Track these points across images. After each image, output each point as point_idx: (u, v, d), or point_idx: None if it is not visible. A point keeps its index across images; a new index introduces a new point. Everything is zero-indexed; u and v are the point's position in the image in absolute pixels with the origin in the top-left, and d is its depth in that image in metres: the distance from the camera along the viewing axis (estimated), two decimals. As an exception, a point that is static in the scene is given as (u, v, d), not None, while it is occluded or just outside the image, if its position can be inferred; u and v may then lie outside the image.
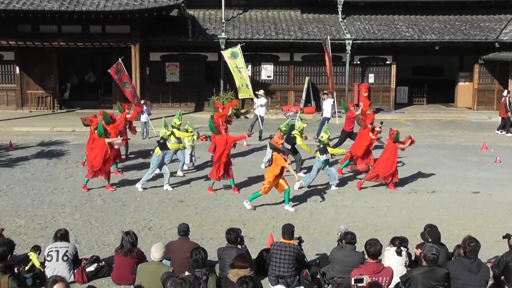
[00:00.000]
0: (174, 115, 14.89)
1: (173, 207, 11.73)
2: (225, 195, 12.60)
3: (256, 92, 19.45)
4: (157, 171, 12.98)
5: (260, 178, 12.89)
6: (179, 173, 14.26)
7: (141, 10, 20.76)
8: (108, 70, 19.54)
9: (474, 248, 6.91)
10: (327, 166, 12.94)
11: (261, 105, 18.88)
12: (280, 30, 24.57)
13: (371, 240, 7.21)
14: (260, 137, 18.67)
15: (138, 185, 12.88)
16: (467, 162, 16.14)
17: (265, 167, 14.41)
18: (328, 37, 22.91)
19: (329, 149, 12.80)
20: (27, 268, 7.94)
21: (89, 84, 27.36)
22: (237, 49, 21.13)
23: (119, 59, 19.32)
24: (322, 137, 12.93)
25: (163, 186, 12.98)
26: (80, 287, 7.99)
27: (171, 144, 13.38)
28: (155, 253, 7.44)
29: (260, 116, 18.81)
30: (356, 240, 7.86)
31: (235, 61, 21.10)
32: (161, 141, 12.78)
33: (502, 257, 7.45)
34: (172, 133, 13.49)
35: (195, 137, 14.11)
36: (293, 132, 13.77)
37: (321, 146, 12.69)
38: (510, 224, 10.64)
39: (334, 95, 21.94)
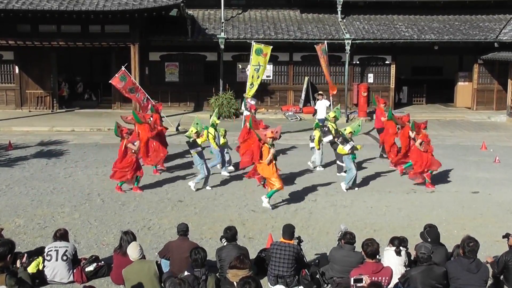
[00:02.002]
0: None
1: (172, 207, 11.73)
2: (224, 195, 12.60)
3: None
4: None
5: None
6: (224, 173, 14.19)
7: (140, 10, 20.74)
8: (110, 81, 18.81)
9: (473, 248, 6.92)
10: (354, 164, 12.91)
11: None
12: (280, 30, 24.56)
13: (367, 240, 7.27)
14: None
15: (191, 183, 12.81)
16: (466, 162, 16.15)
17: (314, 166, 14.79)
18: (326, 42, 22.68)
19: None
20: (31, 270, 7.95)
21: (81, 93, 26.96)
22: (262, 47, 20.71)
23: (122, 67, 18.65)
24: (345, 130, 13.09)
25: (161, 186, 12.99)
26: (79, 286, 7.98)
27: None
28: (133, 254, 7.43)
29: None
30: (355, 240, 7.86)
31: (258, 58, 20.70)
32: (190, 140, 12.61)
33: (501, 256, 7.45)
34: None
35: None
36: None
37: (341, 137, 12.77)
38: (509, 223, 10.65)
39: (330, 98, 21.90)
